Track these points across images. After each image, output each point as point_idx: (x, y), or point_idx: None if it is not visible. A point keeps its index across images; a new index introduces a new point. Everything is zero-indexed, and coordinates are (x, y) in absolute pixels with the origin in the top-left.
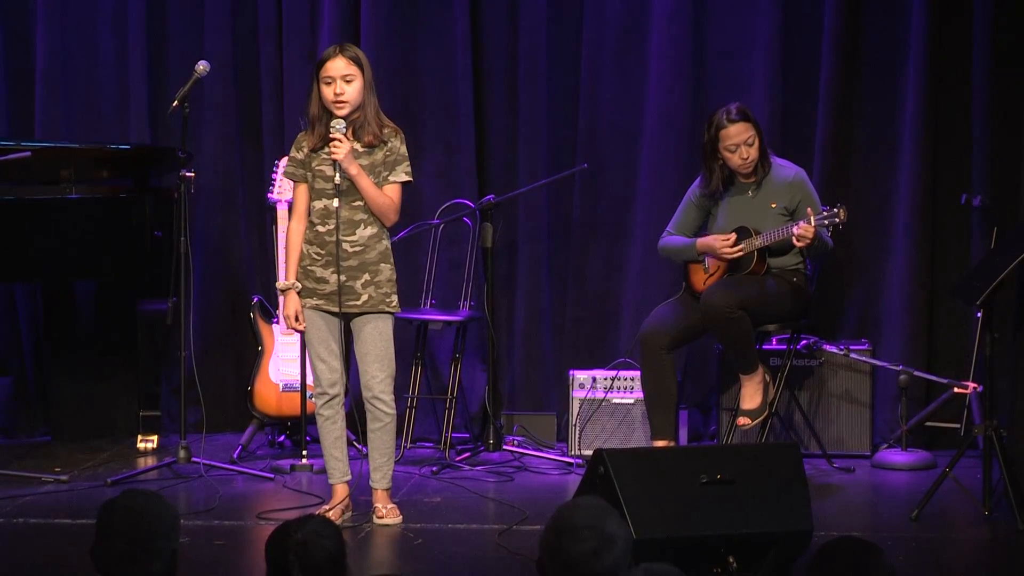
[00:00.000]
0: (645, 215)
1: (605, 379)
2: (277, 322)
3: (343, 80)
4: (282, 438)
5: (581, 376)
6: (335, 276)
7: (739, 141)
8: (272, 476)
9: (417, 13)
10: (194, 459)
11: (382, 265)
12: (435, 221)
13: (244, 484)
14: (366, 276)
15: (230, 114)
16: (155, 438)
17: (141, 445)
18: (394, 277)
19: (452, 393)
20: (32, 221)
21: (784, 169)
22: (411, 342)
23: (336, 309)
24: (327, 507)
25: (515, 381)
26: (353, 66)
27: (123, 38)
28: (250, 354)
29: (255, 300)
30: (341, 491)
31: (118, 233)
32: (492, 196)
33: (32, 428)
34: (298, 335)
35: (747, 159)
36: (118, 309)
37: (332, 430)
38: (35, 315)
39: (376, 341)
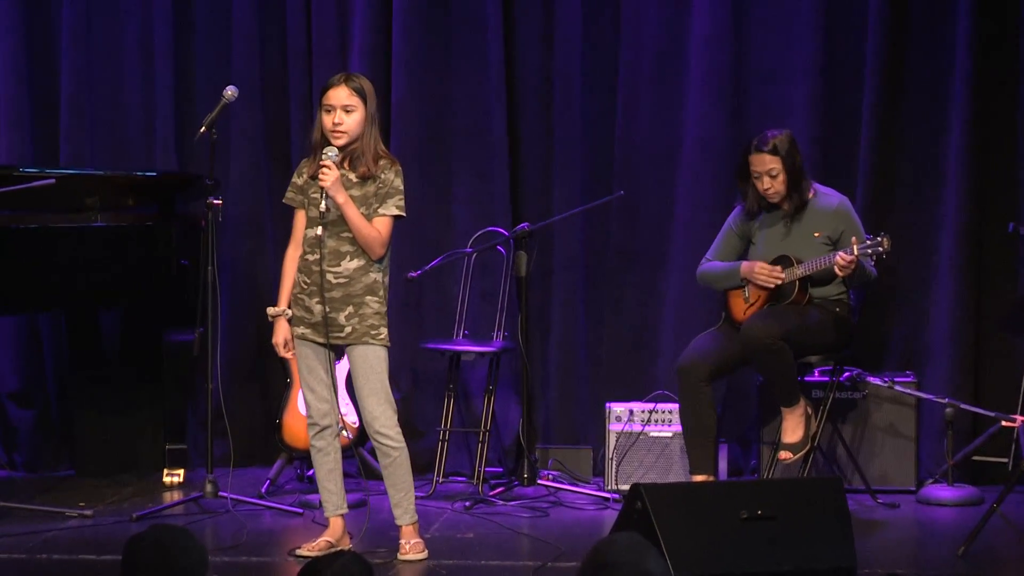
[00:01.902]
0: (683, 243)
1: (642, 412)
2: None
3: (343, 110)
4: (311, 472)
5: (618, 409)
6: (320, 306)
7: (761, 171)
8: (301, 511)
9: (450, 36)
10: (221, 493)
11: (368, 298)
12: (468, 250)
13: (272, 519)
14: (350, 308)
15: (258, 140)
16: (181, 472)
17: (167, 479)
18: (383, 311)
19: (485, 426)
20: (57, 249)
21: (828, 197)
22: (443, 374)
23: (322, 340)
24: (315, 542)
25: (550, 414)
26: (355, 97)
27: (150, 62)
28: (279, 386)
29: None
30: (336, 525)
31: (144, 262)
32: (526, 224)
33: (56, 462)
34: None
35: (768, 190)
36: (144, 340)
37: (325, 462)
38: (59, 346)
39: (367, 374)
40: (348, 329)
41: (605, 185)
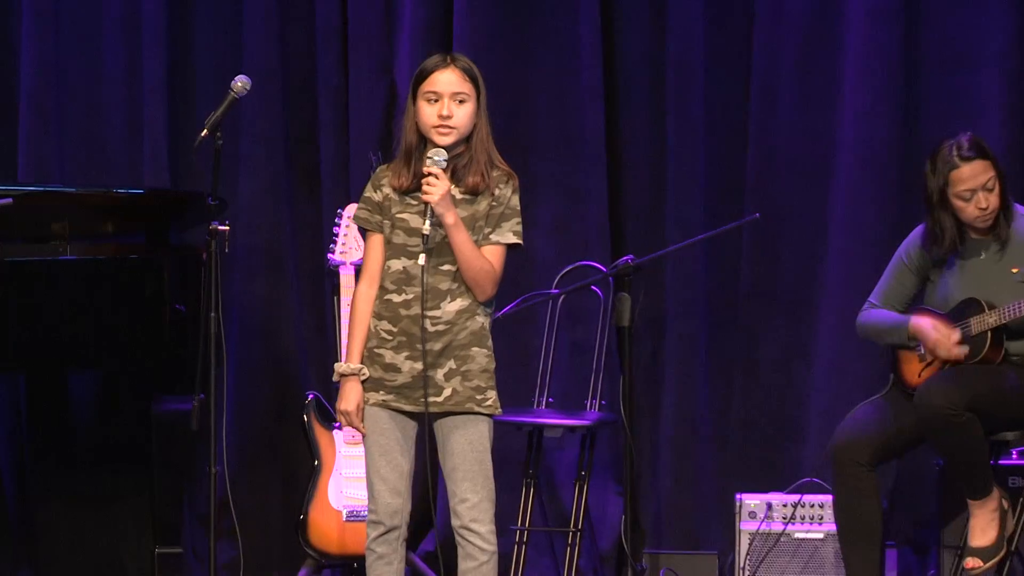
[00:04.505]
0: (837, 282)
1: (784, 506)
2: (340, 427)
3: (453, 99)
4: None
5: (752, 501)
6: (411, 363)
7: (975, 185)
8: None
9: (529, 12)
10: None
11: (475, 350)
12: (553, 291)
13: None
14: (451, 364)
15: (277, 147)
16: None
17: None
18: (492, 367)
19: (576, 524)
20: (13, 291)
21: None
22: (521, 454)
23: (411, 408)
24: None
25: (661, 508)
26: (467, 83)
27: (135, 47)
28: (303, 470)
29: (310, 397)
30: None
31: (127, 307)
32: (630, 257)
33: (13, 568)
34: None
35: (986, 209)
36: (126, 409)
37: (385, 573)
38: (16, 418)
39: (465, 453)
40: (447, 391)
41: (734, 206)
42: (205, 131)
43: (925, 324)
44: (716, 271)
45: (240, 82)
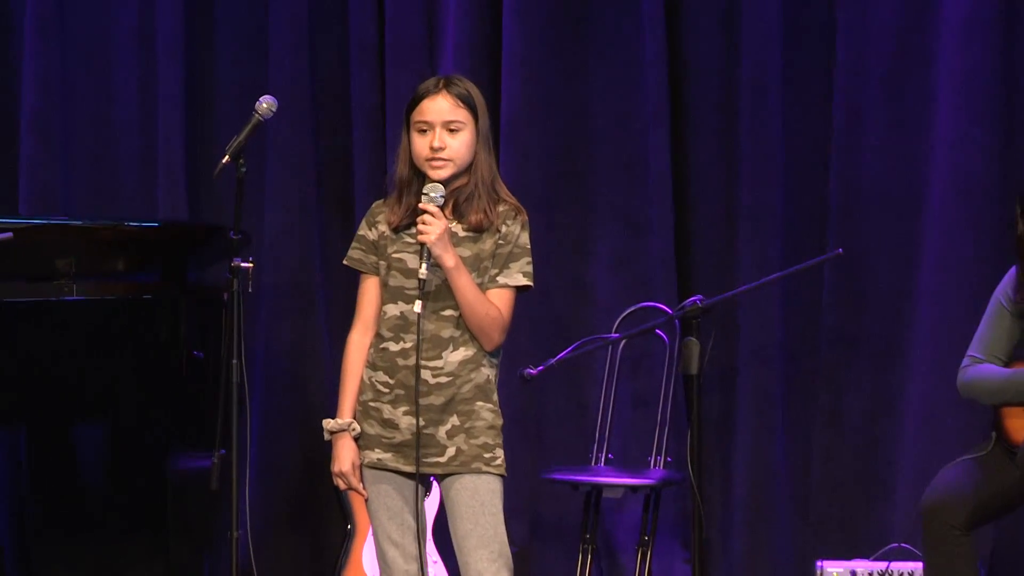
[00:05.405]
0: (930, 327)
1: (870, 574)
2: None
3: (445, 129)
4: None
5: (834, 569)
6: (409, 418)
7: None
8: None
9: (587, 25)
10: None
11: (479, 404)
12: (613, 336)
13: None
14: (453, 420)
15: (307, 174)
16: None
17: None
18: (499, 424)
19: None
20: (13, 336)
21: None
22: (577, 516)
23: (412, 468)
24: None
25: (734, 575)
26: (463, 109)
27: (150, 64)
28: (335, 534)
29: None
30: None
31: (139, 353)
32: (699, 298)
33: None
34: None
35: None
36: (139, 467)
37: None
38: (15, 478)
39: (475, 516)
40: (451, 451)
41: (815, 241)
42: (227, 157)
43: None
44: (795, 313)
45: (265, 103)
